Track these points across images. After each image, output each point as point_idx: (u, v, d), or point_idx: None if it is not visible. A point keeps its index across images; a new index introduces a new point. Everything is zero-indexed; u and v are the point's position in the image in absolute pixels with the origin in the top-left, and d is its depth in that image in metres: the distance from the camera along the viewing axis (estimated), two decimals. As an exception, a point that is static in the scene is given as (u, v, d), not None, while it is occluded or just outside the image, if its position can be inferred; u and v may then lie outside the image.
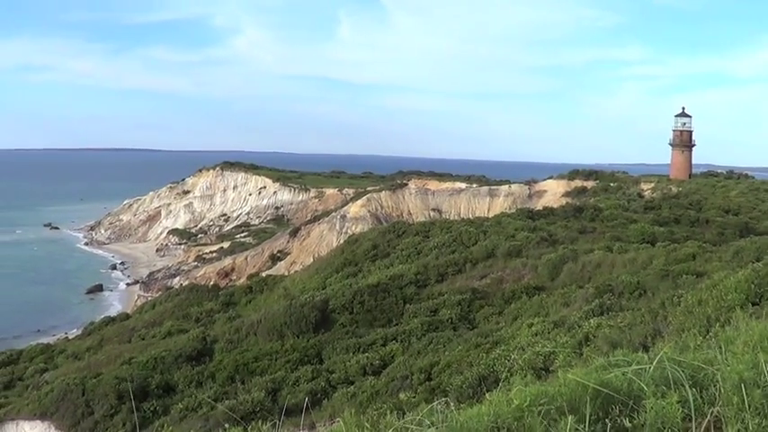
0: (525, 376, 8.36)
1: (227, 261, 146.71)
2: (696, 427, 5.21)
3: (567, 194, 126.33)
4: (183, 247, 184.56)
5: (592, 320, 23.77)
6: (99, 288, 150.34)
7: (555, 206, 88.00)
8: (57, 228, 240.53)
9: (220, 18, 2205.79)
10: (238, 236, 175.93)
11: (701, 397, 5.41)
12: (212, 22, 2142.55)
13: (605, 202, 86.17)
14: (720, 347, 6.75)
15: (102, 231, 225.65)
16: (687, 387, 5.36)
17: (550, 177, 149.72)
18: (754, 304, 14.13)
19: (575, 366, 9.00)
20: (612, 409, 5.41)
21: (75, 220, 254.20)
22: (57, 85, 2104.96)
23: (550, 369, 17.25)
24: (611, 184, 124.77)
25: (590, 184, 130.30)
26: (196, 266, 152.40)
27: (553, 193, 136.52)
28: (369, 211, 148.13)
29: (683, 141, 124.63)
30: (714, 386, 5.54)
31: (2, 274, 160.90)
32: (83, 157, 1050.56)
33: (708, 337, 9.51)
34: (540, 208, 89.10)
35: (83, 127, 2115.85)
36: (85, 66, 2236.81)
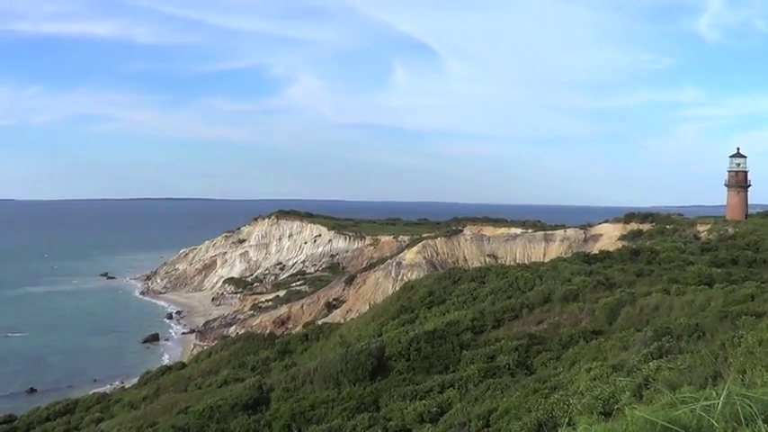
0: (592, 415, 8.20)
1: (283, 309, 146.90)
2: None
3: (622, 238, 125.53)
4: (238, 295, 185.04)
5: (651, 363, 23.44)
6: (155, 337, 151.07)
7: (611, 250, 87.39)
8: (113, 277, 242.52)
9: (277, 68, 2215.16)
10: (294, 284, 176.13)
11: (774, 433, 5.23)
12: (269, 72, 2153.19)
13: (662, 245, 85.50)
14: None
15: (159, 281, 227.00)
16: (760, 422, 5.18)
17: (606, 221, 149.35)
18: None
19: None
20: (681, 447, 5.24)
21: (132, 270, 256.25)
22: (115, 135, 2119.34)
23: (611, 413, 17.02)
24: (668, 227, 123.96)
25: (646, 226, 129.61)
26: (252, 315, 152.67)
27: (609, 236, 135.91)
28: (424, 258, 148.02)
29: (739, 182, 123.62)
30: (787, 422, 5.36)
31: (59, 323, 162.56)
32: (140, 207, 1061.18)
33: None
34: (597, 252, 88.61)
35: (140, 177, 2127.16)
36: (144, 116, 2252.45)
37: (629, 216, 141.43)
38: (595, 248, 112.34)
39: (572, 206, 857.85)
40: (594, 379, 25.75)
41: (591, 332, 41.16)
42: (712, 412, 5.41)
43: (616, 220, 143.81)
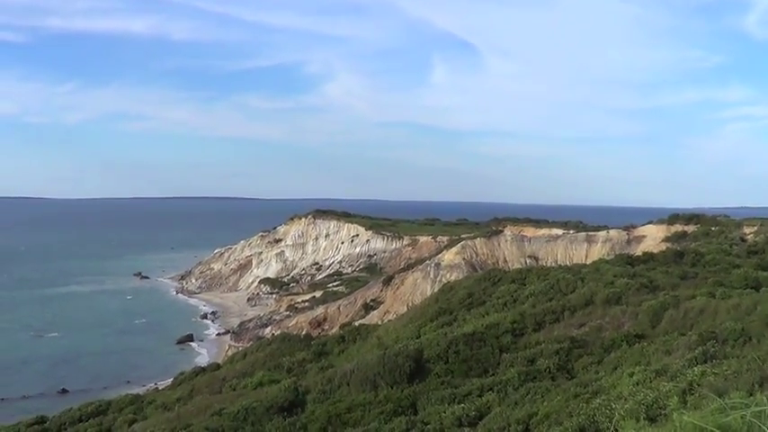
0: (638, 421, 8.13)
1: (320, 310, 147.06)
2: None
3: (666, 239, 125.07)
4: (274, 296, 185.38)
5: (695, 368, 23.34)
6: (189, 338, 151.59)
7: (655, 251, 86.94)
8: (147, 277, 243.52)
9: (314, 65, 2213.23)
10: (331, 285, 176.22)
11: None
12: (306, 69, 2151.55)
13: (707, 247, 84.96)
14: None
15: (193, 280, 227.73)
16: (813, 430, 5.10)
17: (649, 222, 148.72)
18: None
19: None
20: (730, 454, 5.16)
21: (166, 270, 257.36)
22: (150, 133, 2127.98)
23: (655, 419, 16.90)
24: (713, 229, 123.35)
25: (690, 228, 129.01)
26: (288, 316, 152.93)
27: (652, 238, 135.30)
28: (463, 259, 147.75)
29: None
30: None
31: (92, 323, 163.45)
32: (174, 206, 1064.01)
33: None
34: (640, 254, 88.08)
35: (175, 175, 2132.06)
36: (179, 114, 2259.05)
37: (674, 217, 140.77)
38: (638, 250, 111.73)
39: (615, 207, 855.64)
40: (637, 384, 25.65)
41: (634, 336, 40.91)
42: (763, 418, 5.34)
43: (660, 222, 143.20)
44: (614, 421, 17.90)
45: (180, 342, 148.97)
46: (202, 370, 74.00)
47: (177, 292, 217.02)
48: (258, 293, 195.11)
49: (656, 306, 44.69)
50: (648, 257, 77.22)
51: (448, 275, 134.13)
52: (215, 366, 75.77)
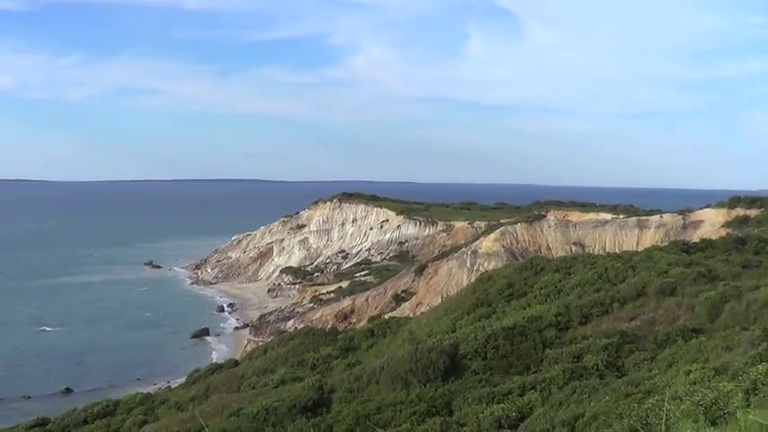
0: (697, 421, 8.05)
1: (346, 302, 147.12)
2: None
3: (727, 224, 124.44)
4: (297, 286, 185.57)
5: (759, 366, 23.12)
6: (205, 332, 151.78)
7: (713, 238, 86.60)
8: (159, 266, 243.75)
9: (339, 36, 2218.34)
10: (358, 274, 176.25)
11: None
12: (330, 40, 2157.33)
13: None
14: None
15: (209, 270, 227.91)
16: None
17: (708, 206, 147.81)
18: None
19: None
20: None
21: (179, 258, 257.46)
22: (161, 110, 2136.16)
23: (715, 421, 16.77)
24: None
25: (753, 212, 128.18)
26: (312, 308, 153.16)
27: (711, 223, 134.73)
28: (503, 246, 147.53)
29: None
30: None
31: (99, 316, 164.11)
32: (188, 189, 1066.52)
33: None
34: (697, 240, 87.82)
35: (188, 156, 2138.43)
36: (193, 89, 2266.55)
37: (734, 200, 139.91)
38: (695, 236, 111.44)
39: (669, 189, 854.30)
40: (694, 383, 25.48)
41: (690, 330, 40.76)
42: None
43: (719, 205, 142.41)
44: (670, 423, 17.80)
45: (195, 336, 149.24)
46: (219, 367, 74.11)
47: (192, 283, 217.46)
48: (279, 284, 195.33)
49: (714, 298, 44.48)
50: (706, 244, 76.92)
51: (486, 264, 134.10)
52: (233, 363, 75.85)
